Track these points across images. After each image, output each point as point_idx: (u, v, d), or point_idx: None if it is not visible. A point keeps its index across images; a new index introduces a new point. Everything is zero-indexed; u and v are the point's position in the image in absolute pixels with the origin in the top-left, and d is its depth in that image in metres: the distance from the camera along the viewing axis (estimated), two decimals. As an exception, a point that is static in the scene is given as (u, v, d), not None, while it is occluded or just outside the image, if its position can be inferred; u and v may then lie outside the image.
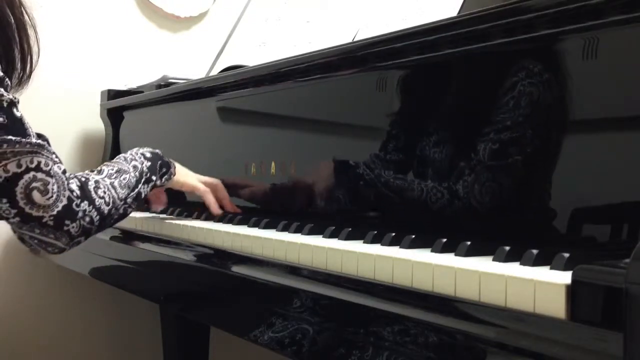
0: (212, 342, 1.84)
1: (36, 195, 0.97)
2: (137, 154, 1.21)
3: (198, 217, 1.34)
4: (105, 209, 1.07)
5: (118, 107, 1.84)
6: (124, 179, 1.14)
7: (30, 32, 1.09)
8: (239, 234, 1.07)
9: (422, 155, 0.96)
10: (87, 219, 1.04)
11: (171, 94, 1.59)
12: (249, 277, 0.97)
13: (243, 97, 1.35)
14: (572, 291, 0.58)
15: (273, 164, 1.23)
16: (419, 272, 0.73)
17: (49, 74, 1.90)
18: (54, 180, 0.99)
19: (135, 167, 1.18)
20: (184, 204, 1.44)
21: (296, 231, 1.05)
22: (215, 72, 1.58)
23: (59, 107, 1.91)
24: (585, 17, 0.76)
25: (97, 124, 1.93)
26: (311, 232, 1.01)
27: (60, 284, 1.91)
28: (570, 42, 0.78)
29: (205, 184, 1.31)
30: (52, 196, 0.98)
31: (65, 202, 1.00)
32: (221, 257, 1.08)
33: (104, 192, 1.09)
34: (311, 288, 0.85)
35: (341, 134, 1.15)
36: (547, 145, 0.81)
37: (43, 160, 0.99)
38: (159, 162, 1.23)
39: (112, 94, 1.87)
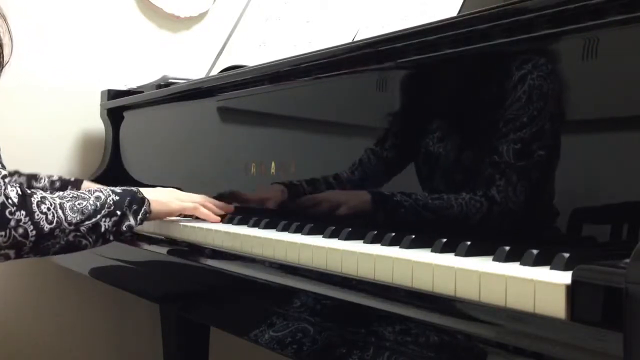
0: (212, 342, 1.85)
1: None
2: (105, 189, 1.14)
3: (198, 217, 1.34)
4: (46, 226, 1.01)
5: (118, 107, 1.84)
6: (78, 204, 1.07)
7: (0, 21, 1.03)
8: (238, 234, 1.06)
9: (421, 155, 0.96)
10: (21, 230, 0.98)
11: (171, 94, 1.59)
12: (249, 277, 0.97)
13: (243, 97, 1.35)
14: (572, 291, 0.58)
15: (273, 164, 1.23)
16: (419, 272, 0.73)
17: (49, 74, 1.90)
18: None
19: (97, 197, 1.10)
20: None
21: (296, 231, 1.05)
22: (215, 72, 1.58)
23: (59, 107, 1.91)
24: (585, 17, 0.76)
25: (97, 124, 1.93)
26: (311, 232, 1.01)
27: (60, 284, 1.90)
28: (570, 42, 0.78)
29: (191, 202, 1.25)
30: None
31: None
32: (221, 257, 1.08)
33: (48, 209, 1.02)
34: (311, 288, 0.85)
35: (341, 134, 1.15)
36: (547, 145, 0.81)
37: None
38: (129, 199, 1.14)
39: (112, 94, 1.87)
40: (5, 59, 1.05)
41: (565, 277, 0.59)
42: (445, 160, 0.93)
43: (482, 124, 0.89)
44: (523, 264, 0.70)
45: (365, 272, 0.80)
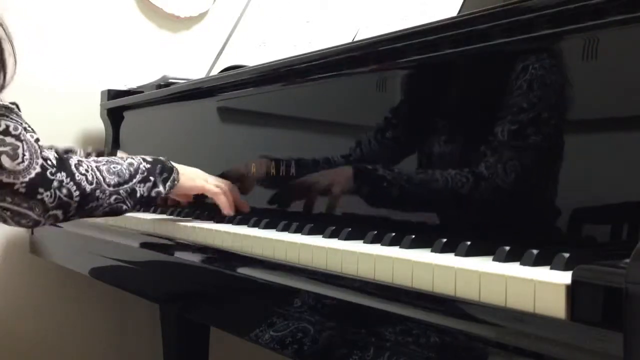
0: (212, 342, 1.85)
1: (5, 160, 0.93)
2: (136, 157, 1.17)
3: (198, 218, 1.34)
4: (87, 187, 1.03)
5: (118, 107, 1.84)
6: (113, 167, 1.09)
7: (6, 46, 1.06)
8: (239, 234, 1.07)
9: (420, 156, 0.97)
10: (64, 190, 1.00)
11: (171, 94, 1.59)
12: (249, 277, 0.97)
13: (243, 97, 1.35)
14: (572, 291, 0.58)
15: (273, 164, 1.23)
16: (419, 272, 0.73)
17: (49, 74, 1.90)
18: (25, 146, 0.95)
19: (130, 164, 1.13)
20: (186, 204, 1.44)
21: (296, 231, 1.05)
22: (215, 72, 1.58)
23: (59, 107, 1.91)
24: (585, 17, 0.76)
25: (97, 124, 1.93)
26: (311, 232, 1.01)
27: (60, 284, 1.91)
28: (570, 42, 0.78)
29: (215, 185, 1.26)
30: (22, 161, 0.95)
31: (38, 169, 0.96)
32: (221, 257, 1.07)
33: (86, 170, 1.04)
34: (311, 288, 0.85)
35: (341, 134, 1.15)
36: (547, 145, 0.81)
37: (12, 124, 0.96)
38: (159, 166, 1.17)
39: (112, 94, 1.87)
40: (7, 81, 1.07)
41: (565, 277, 0.60)
42: (445, 159, 0.93)
43: (482, 124, 0.89)
44: (523, 264, 0.70)
45: (365, 272, 0.80)
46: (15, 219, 1.00)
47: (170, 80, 1.73)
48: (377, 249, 0.83)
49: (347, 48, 1.09)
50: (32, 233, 1.81)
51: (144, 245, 1.30)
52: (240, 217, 1.23)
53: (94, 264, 1.53)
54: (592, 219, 0.76)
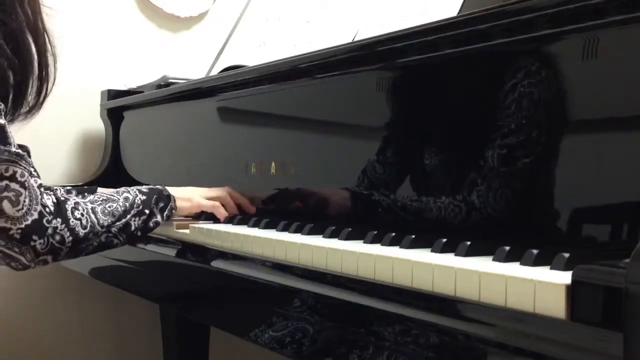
0: (212, 342, 1.85)
1: (6, 206, 0.95)
2: (132, 189, 1.18)
3: (198, 218, 1.34)
4: (81, 231, 1.04)
5: (118, 107, 1.84)
6: (109, 207, 1.11)
7: (51, 60, 1.07)
8: (238, 234, 1.07)
9: (421, 156, 0.96)
10: (58, 237, 1.01)
11: (171, 94, 1.59)
12: (249, 277, 0.97)
13: (243, 97, 1.35)
14: (572, 291, 0.58)
15: (273, 164, 1.23)
16: (419, 272, 0.73)
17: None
18: (27, 193, 0.97)
19: (126, 198, 1.14)
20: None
21: (296, 231, 1.05)
22: (215, 72, 1.58)
23: (59, 107, 1.89)
24: (585, 17, 0.76)
25: (97, 124, 1.93)
26: (311, 232, 1.01)
27: (60, 284, 1.91)
28: (570, 42, 0.78)
29: (212, 198, 1.27)
30: (22, 208, 0.96)
31: (35, 216, 0.98)
32: (221, 257, 1.08)
33: (82, 215, 1.06)
34: (311, 288, 0.85)
35: (341, 134, 1.15)
36: (547, 145, 0.81)
37: (19, 171, 0.97)
38: (155, 197, 1.18)
39: (112, 94, 1.87)
40: (47, 96, 1.07)
41: (565, 277, 0.59)
42: (445, 158, 0.93)
43: (483, 123, 0.89)
44: (523, 264, 0.70)
45: (365, 272, 0.80)
46: (6, 260, 1.01)
47: (170, 80, 1.73)
48: (377, 249, 0.83)
49: (347, 48, 1.09)
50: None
51: (144, 245, 1.30)
52: (240, 217, 1.23)
53: (94, 264, 1.53)
54: (592, 219, 0.76)
